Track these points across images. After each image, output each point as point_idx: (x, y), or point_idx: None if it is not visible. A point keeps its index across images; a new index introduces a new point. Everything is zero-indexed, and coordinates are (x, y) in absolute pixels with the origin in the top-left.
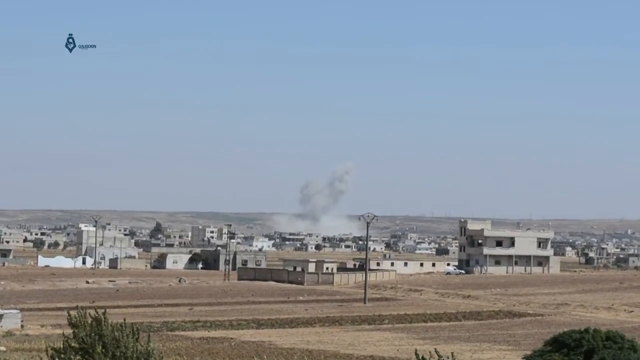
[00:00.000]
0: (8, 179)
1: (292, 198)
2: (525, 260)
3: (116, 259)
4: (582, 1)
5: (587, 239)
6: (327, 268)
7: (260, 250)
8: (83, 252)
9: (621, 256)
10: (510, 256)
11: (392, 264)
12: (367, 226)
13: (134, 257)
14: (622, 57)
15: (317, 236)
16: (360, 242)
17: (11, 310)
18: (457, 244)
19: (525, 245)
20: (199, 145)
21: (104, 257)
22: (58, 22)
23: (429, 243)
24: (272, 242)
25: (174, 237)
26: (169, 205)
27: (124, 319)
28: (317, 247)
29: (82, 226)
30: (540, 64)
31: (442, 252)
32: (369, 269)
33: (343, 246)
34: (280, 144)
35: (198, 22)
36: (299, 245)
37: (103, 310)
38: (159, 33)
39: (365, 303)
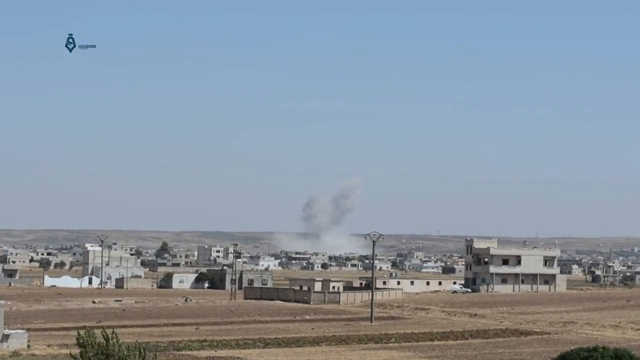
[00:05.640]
0: (14, 199)
1: (297, 216)
2: (532, 278)
3: (122, 278)
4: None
5: (594, 257)
6: (333, 287)
7: (266, 269)
8: (89, 271)
9: (628, 274)
10: (516, 274)
11: (399, 283)
12: (374, 245)
13: (140, 277)
14: (629, 71)
15: (323, 255)
16: (367, 261)
17: (18, 331)
18: (464, 263)
19: (532, 263)
20: (204, 164)
21: (110, 276)
22: (58, 22)
23: (435, 261)
24: (278, 261)
25: (180, 256)
26: (175, 224)
27: (137, 342)
28: (324, 266)
29: (88, 246)
30: (543, 81)
31: (448, 270)
32: (376, 288)
33: (349, 265)
34: (284, 161)
35: (201, 33)
36: (305, 264)
37: (112, 330)
38: (163, 40)
39: (371, 322)
